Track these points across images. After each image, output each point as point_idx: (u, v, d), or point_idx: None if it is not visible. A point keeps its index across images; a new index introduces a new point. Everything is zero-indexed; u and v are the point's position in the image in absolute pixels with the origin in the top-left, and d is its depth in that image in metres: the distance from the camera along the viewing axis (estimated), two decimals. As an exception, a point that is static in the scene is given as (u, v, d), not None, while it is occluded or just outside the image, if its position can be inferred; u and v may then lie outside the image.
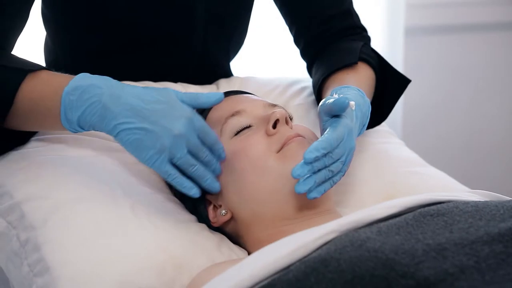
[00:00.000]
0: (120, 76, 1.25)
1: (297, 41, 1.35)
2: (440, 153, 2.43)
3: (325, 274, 0.74)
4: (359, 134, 1.06)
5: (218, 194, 1.04)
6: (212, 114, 1.09)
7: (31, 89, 1.01)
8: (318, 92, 1.24)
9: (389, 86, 1.27)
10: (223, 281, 0.82)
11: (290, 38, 1.38)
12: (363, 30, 1.34)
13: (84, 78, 0.98)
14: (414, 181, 1.21)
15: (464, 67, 2.44)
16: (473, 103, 2.48)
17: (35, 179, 1.05)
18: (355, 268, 0.73)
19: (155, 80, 1.30)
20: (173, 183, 0.98)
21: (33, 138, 1.12)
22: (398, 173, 1.22)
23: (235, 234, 1.06)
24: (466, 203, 0.88)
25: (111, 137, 1.01)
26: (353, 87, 1.08)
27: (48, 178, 1.05)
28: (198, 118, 0.98)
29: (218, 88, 1.38)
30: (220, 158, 1.01)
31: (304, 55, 1.36)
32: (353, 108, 1.01)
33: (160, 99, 0.96)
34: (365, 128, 1.09)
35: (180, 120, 0.96)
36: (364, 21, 1.41)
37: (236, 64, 1.49)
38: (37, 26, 1.35)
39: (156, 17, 1.24)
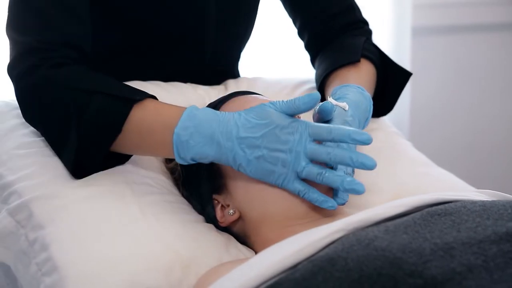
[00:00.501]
0: (130, 75, 1.26)
1: (301, 35, 1.39)
2: (447, 153, 2.42)
3: (333, 273, 0.74)
4: (364, 127, 1.09)
5: (226, 194, 1.04)
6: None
7: (139, 121, 1.01)
8: (320, 86, 1.27)
9: (391, 80, 1.30)
10: (229, 280, 0.82)
11: (295, 38, 1.40)
12: (365, 23, 1.37)
13: (193, 116, 0.96)
14: (421, 182, 1.21)
15: (471, 67, 2.43)
16: (480, 103, 2.48)
17: (43, 178, 1.05)
18: (363, 267, 0.73)
19: (165, 80, 1.31)
20: (306, 198, 0.96)
21: (42, 138, 1.12)
22: (405, 174, 1.22)
23: (242, 234, 1.06)
24: (473, 202, 0.88)
25: None
26: (352, 85, 1.11)
27: (57, 177, 1.05)
28: (307, 123, 0.96)
29: (226, 88, 1.38)
30: (362, 141, 0.92)
31: (308, 48, 1.38)
32: (346, 109, 1.03)
33: (262, 122, 0.95)
34: (369, 121, 1.11)
35: (288, 136, 0.94)
36: (371, 21, 1.42)
37: (242, 65, 1.50)
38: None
39: (169, 17, 1.24)
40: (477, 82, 2.46)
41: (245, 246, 1.06)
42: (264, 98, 1.13)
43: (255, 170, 0.95)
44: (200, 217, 1.08)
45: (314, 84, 1.38)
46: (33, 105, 1.06)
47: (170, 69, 1.32)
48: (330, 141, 0.93)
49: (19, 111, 1.12)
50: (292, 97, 1.35)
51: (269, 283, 0.77)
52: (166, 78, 1.31)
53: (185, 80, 1.34)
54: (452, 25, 2.36)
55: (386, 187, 1.18)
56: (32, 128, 1.13)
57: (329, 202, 0.96)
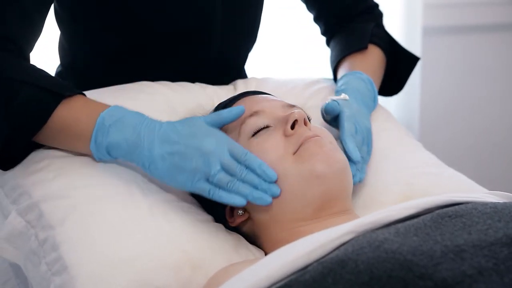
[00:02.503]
0: (137, 76, 1.25)
1: (317, 22, 1.46)
2: (458, 153, 2.41)
3: (343, 275, 0.74)
4: (374, 105, 1.27)
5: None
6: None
7: (64, 114, 1.04)
8: (334, 71, 1.39)
9: (400, 63, 1.42)
10: (239, 281, 0.82)
11: (303, 39, 1.42)
12: (376, 7, 1.45)
13: (120, 109, 1.03)
14: (431, 182, 1.20)
15: (482, 67, 2.43)
16: (491, 103, 2.47)
17: (53, 178, 1.06)
18: (373, 269, 0.73)
19: (173, 80, 1.31)
20: (214, 197, 0.99)
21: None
22: (415, 174, 1.21)
23: (252, 235, 1.06)
24: (484, 204, 0.88)
25: None
26: (352, 72, 1.27)
27: (66, 177, 1.06)
28: (227, 138, 1.01)
29: (235, 88, 1.38)
30: (269, 178, 0.98)
31: (324, 33, 1.47)
32: (347, 99, 1.17)
33: (188, 125, 1.01)
34: (377, 101, 1.29)
35: (208, 139, 0.99)
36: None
37: (251, 65, 1.50)
38: (49, 28, 1.36)
39: (174, 16, 1.24)
40: (488, 82, 2.45)
41: (255, 246, 1.06)
42: (274, 98, 1.13)
43: (167, 166, 0.99)
44: (210, 217, 1.08)
45: (324, 84, 1.39)
46: None
47: (176, 69, 1.32)
48: (243, 163, 0.98)
49: None
50: (302, 97, 1.36)
51: (279, 284, 0.77)
52: (172, 78, 1.30)
53: (194, 81, 1.34)
54: (463, 25, 2.35)
55: (395, 188, 1.18)
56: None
57: (236, 198, 0.98)
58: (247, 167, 0.99)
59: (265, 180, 0.98)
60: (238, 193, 0.98)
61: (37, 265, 1.00)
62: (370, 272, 0.73)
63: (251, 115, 1.05)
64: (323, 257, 0.79)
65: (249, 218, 1.04)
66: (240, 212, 1.04)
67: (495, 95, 2.47)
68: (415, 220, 0.84)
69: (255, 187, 0.98)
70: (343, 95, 1.17)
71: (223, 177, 0.98)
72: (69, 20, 1.28)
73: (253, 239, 1.07)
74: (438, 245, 0.76)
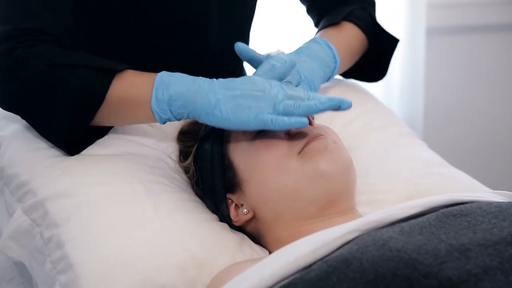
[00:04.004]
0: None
1: (310, 14, 1.43)
2: (462, 153, 2.41)
3: (347, 274, 0.74)
4: (334, 66, 1.20)
5: (240, 193, 1.04)
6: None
7: (120, 86, 1.03)
8: None
9: (383, 47, 1.39)
10: (244, 280, 0.82)
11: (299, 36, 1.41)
12: None
13: (176, 72, 1.02)
14: (435, 182, 1.20)
15: (485, 67, 2.42)
16: (495, 103, 2.47)
17: (58, 177, 1.06)
18: (377, 268, 0.73)
19: None
20: (278, 124, 0.95)
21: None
22: (419, 174, 1.21)
23: (256, 234, 1.06)
24: (489, 203, 0.88)
25: (136, 137, 1.07)
26: (315, 39, 1.21)
27: (72, 176, 1.06)
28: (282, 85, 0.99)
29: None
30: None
31: (316, 26, 1.42)
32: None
33: (246, 77, 1.00)
34: (337, 61, 1.21)
35: (265, 84, 0.98)
36: (386, 21, 1.42)
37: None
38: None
39: (171, 6, 1.24)
40: (492, 82, 2.45)
41: (259, 246, 1.06)
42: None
43: (231, 106, 0.97)
44: (214, 216, 1.08)
45: (327, 84, 1.38)
46: (13, 84, 1.05)
47: (174, 64, 1.31)
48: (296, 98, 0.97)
49: None
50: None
51: (283, 283, 0.77)
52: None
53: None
54: (467, 25, 2.35)
55: (400, 187, 1.18)
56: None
57: (302, 120, 0.95)
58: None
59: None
60: (307, 111, 0.96)
61: (42, 263, 1.01)
62: (375, 271, 0.73)
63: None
64: (327, 255, 0.79)
65: (253, 217, 1.04)
66: (244, 211, 1.04)
67: (498, 95, 2.47)
68: (420, 219, 0.84)
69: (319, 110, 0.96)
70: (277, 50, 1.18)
71: (288, 102, 0.96)
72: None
73: (257, 238, 1.07)
74: (443, 244, 0.76)
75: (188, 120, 1.20)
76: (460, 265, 0.72)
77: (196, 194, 1.12)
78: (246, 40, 1.41)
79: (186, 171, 1.15)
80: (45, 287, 1.01)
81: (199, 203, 1.10)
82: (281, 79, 1.03)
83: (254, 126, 0.96)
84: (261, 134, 1.03)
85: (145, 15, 1.22)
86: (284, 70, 1.02)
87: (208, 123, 0.99)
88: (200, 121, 1.01)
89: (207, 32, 1.28)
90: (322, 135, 1.02)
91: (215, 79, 1.00)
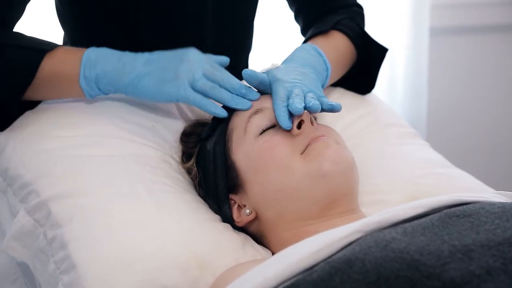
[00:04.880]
0: None
1: (297, 19, 1.42)
2: (465, 153, 2.41)
3: (350, 275, 0.73)
4: (326, 72, 1.19)
5: (243, 194, 1.04)
6: (235, 114, 1.09)
7: (50, 63, 1.10)
8: None
9: (371, 57, 1.36)
10: (247, 281, 0.82)
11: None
12: (357, 6, 1.40)
13: (102, 48, 1.10)
14: (438, 182, 1.20)
15: (489, 67, 2.42)
16: (498, 103, 2.46)
17: (61, 178, 1.06)
18: (380, 269, 0.73)
19: None
20: (200, 105, 1.05)
21: (60, 135, 1.12)
22: (422, 174, 1.21)
23: (259, 234, 1.06)
24: (492, 204, 0.87)
25: (138, 138, 1.06)
26: (304, 45, 1.21)
27: (75, 177, 1.06)
28: (204, 54, 1.08)
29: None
30: (239, 91, 1.06)
31: (302, 32, 1.42)
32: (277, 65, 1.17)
33: (170, 51, 1.08)
34: (329, 68, 1.19)
35: (190, 51, 1.07)
36: (389, 21, 1.42)
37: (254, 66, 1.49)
38: (53, 26, 1.36)
39: (167, 9, 1.23)
40: (495, 82, 2.45)
41: (262, 246, 1.06)
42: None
43: (154, 81, 1.05)
44: (217, 217, 1.08)
45: (331, 87, 1.38)
46: None
47: None
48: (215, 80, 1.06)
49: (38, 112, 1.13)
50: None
51: (286, 284, 0.77)
52: None
53: None
54: (470, 26, 2.35)
55: (402, 187, 1.18)
56: (50, 128, 1.13)
57: (219, 109, 1.05)
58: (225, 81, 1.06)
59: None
60: (220, 98, 1.05)
61: (45, 263, 1.01)
62: (377, 272, 0.72)
63: (255, 112, 1.05)
64: (330, 256, 0.79)
65: (256, 218, 1.04)
66: (247, 212, 1.04)
67: (502, 95, 2.47)
68: (423, 219, 0.84)
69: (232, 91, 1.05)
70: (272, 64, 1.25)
71: (206, 83, 1.04)
72: (66, 13, 1.28)
73: (260, 239, 1.07)
74: (445, 244, 0.76)
75: (191, 122, 1.21)
76: (463, 266, 0.72)
77: (199, 195, 1.12)
78: (246, 41, 1.40)
79: (189, 172, 1.16)
80: (48, 287, 1.01)
81: (202, 204, 1.10)
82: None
83: (178, 100, 1.06)
84: (264, 135, 1.03)
85: (141, 13, 1.22)
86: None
87: (136, 98, 1.10)
88: (129, 96, 1.10)
89: (202, 32, 1.28)
90: (325, 135, 1.02)
91: (142, 53, 1.09)
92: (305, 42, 1.28)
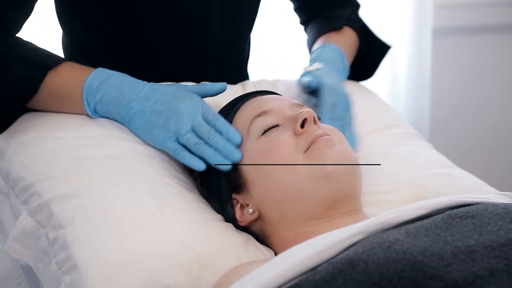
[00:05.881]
0: (138, 75, 1.25)
1: (297, 12, 1.51)
2: (468, 154, 2.41)
3: (353, 276, 0.73)
4: (344, 79, 1.31)
5: (246, 193, 1.04)
6: (239, 114, 1.09)
7: (53, 83, 1.13)
8: (310, 49, 1.45)
9: (372, 49, 1.49)
10: (250, 281, 0.82)
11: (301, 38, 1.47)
12: None
13: (105, 71, 1.12)
14: (441, 183, 1.20)
15: (492, 67, 2.42)
16: (502, 103, 2.46)
17: (63, 179, 1.06)
18: (383, 270, 0.73)
19: (172, 76, 1.30)
20: (178, 157, 1.07)
21: (61, 137, 1.12)
22: (425, 175, 1.21)
23: (261, 234, 1.06)
24: (495, 205, 0.87)
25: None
26: (326, 45, 1.34)
27: (76, 178, 1.06)
28: (203, 103, 1.08)
29: (243, 89, 1.37)
30: (233, 141, 1.05)
31: (302, 23, 1.52)
32: (320, 67, 1.25)
33: (170, 88, 1.10)
34: (347, 73, 1.35)
35: (184, 101, 1.07)
36: (392, 21, 1.43)
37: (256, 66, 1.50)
38: (53, 26, 1.37)
39: (172, 6, 1.24)
40: (498, 82, 2.44)
41: (265, 246, 1.06)
42: (281, 97, 1.13)
43: (144, 121, 1.09)
44: (219, 216, 1.08)
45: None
46: None
47: (180, 68, 1.30)
48: (213, 126, 1.06)
49: (39, 114, 1.13)
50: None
51: (289, 284, 0.77)
52: (177, 79, 1.29)
53: (191, 79, 1.32)
54: (473, 26, 2.35)
55: (405, 188, 1.18)
56: (51, 130, 1.13)
57: (198, 163, 1.06)
58: (217, 130, 1.06)
59: (229, 143, 1.04)
60: (202, 155, 1.05)
61: (47, 264, 1.01)
62: (380, 273, 0.72)
63: (259, 115, 1.05)
64: (333, 257, 0.79)
65: (258, 218, 1.04)
66: (250, 211, 1.04)
67: (504, 95, 2.46)
68: (426, 220, 0.84)
69: (220, 152, 1.04)
70: (315, 64, 1.25)
71: (191, 138, 1.05)
72: (65, 12, 1.28)
73: (263, 239, 1.07)
74: (448, 245, 0.76)
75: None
76: (466, 267, 0.72)
77: (202, 194, 1.12)
78: (245, 42, 1.41)
79: (191, 171, 1.16)
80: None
81: (205, 204, 1.10)
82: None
83: (161, 148, 1.09)
84: (266, 134, 1.03)
85: (147, 10, 1.22)
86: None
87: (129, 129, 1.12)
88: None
89: (208, 31, 1.28)
90: (328, 135, 1.02)
91: (143, 85, 1.11)
92: (318, 35, 1.41)
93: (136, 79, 1.13)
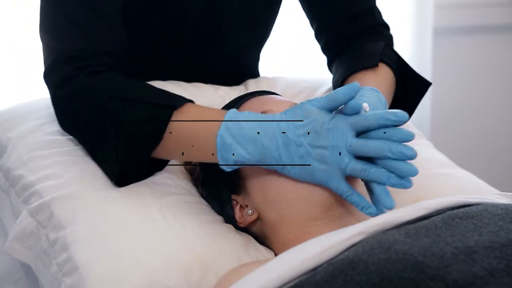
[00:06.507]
0: (150, 76, 1.25)
1: (318, 37, 1.35)
2: (469, 154, 2.41)
3: (353, 276, 0.73)
4: None
5: (245, 194, 1.04)
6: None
7: (179, 128, 1.01)
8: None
9: (410, 87, 1.27)
10: (250, 282, 0.82)
11: (311, 36, 1.38)
12: (386, 28, 1.33)
13: (234, 122, 0.97)
14: (442, 183, 1.20)
15: (492, 67, 2.42)
16: (502, 103, 2.46)
17: (64, 179, 1.06)
18: (384, 271, 0.73)
19: (186, 81, 1.31)
20: (349, 200, 0.94)
21: (62, 138, 1.13)
22: (425, 175, 1.21)
23: (261, 235, 1.06)
24: (495, 205, 0.87)
25: None
26: (367, 87, 1.08)
27: (77, 178, 1.06)
28: (344, 117, 0.94)
29: (246, 88, 1.37)
30: (397, 120, 0.91)
31: (325, 51, 1.35)
32: (367, 110, 0.98)
33: (304, 123, 0.94)
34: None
35: (329, 132, 0.93)
36: (393, 21, 1.41)
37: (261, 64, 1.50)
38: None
39: (187, 12, 1.24)
40: (499, 82, 2.45)
41: (264, 247, 1.06)
42: (282, 98, 1.13)
43: (298, 169, 0.95)
44: (219, 218, 1.08)
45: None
46: (72, 114, 1.07)
47: (191, 69, 1.31)
48: (367, 127, 0.92)
49: (41, 112, 1.12)
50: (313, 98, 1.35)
51: (289, 285, 0.77)
52: (187, 79, 1.30)
53: (206, 81, 1.33)
54: (474, 26, 2.35)
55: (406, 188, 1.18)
56: (53, 129, 1.13)
57: (371, 209, 0.93)
58: (373, 126, 0.92)
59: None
60: (376, 179, 0.91)
61: (48, 265, 1.01)
62: (381, 274, 0.72)
63: (260, 114, 1.04)
64: (333, 258, 0.79)
65: (258, 218, 1.04)
66: (249, 212, 1.04)
67: (505, 95, 2.46)
68: (426, 221, 0.84)
69: (387, 157, 0.90)
70: (365, 105, 0.99)
71: (355, 165, 0.91)
72: None
73: (263, 240, 1.07)
74: (448, 246, 0.76)
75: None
76: (466, 267, 0.72)
77: (202, 195, 1.12)
78: (262, 46, 1.41)
79: (191, 172, 1.16)
80: (51, 288, 1.01)
81: (205, 205, 1.10)
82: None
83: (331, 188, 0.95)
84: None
85: (161, 22, 1.22)
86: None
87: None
88: None
89: (225, 38, 1.29)
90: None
91: (278, 128, 0.95)
92: (349, 73, 1.20)
93: (265, 121, 0.97)
